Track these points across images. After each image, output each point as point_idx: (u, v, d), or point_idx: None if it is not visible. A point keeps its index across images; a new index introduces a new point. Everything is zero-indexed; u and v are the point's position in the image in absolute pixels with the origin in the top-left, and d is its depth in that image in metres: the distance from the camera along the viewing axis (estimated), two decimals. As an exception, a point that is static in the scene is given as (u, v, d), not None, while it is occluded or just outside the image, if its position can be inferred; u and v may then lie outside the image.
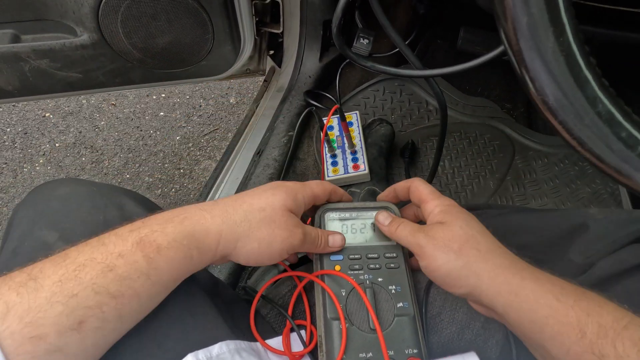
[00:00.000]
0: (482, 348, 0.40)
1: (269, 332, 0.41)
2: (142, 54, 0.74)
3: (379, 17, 0.50)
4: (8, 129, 1.40)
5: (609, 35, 0.40)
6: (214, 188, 0.83)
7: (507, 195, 0.86)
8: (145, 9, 0.67)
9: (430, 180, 0.71)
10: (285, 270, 0.47)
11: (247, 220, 0.36)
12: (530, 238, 0.45)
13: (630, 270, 0.36)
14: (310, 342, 0.40)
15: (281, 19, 0.86)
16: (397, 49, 0.91)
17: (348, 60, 0.91)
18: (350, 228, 0.45)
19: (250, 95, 1.51)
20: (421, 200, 0.41)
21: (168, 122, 1.43)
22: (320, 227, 0.45)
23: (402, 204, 0.56)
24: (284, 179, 0.84)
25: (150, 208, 0.42)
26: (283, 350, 0.39)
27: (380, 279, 0.41)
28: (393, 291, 0.40)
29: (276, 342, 0.40)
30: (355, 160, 0.80)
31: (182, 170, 1.32)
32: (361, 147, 0.81)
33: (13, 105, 1.44)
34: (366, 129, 0.88)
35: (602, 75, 0.23)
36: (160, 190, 1.28)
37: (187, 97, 1.50)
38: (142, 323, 0.32)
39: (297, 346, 0.40)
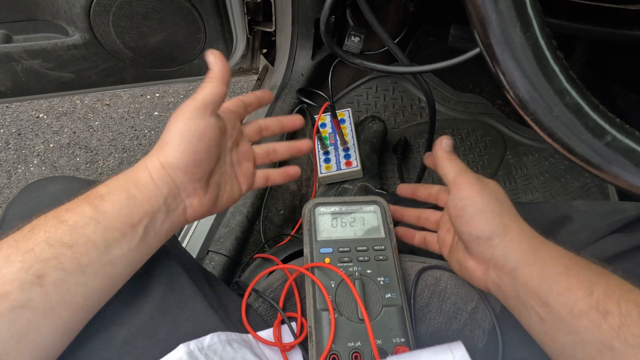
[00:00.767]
0: (469, 337, 0.41)
1: (260, 324, 0.42)
2: (134, 53, 0.74)
3: (366, 15, 0.51)
4: (1, 130, 1.40)
5: (575, 28, 0.41)
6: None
7: (498, 190, 0.87)
8: (137, 9, 0.68)
9: (421, 177, 0.72)
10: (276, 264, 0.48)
11: (162, 141, 0.36)
12: None
13: (610, 259, 0.37)
14: (300, 334, 0.40)
15: (273, 18, 0.86)
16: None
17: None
18: (340, 222, 0.46)
19: (243, 93, 1.51)
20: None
21: (162, 121, 1.43)
22: (310, 221, 0.45)
23: (395, 200, 0.57)
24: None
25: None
26: (274, 341, 0.40)
27: (369, 271, 0.42)
28: (381, 282, 0.41)
29: (267, 333, 0.41)
30: (347, 157, 0.81)
31: (176, 170, 1.32)
32: (354, 144, 0.82)
33: (6, 107, 1.44)
34: (359, 126, 0.89)
35: (570, 68, 0.24)
36: (155, 189, 1.28)
37: (182, 96, 1.50)
38: (132, 314, 0.33)
39: (287, 337, 0.41)
